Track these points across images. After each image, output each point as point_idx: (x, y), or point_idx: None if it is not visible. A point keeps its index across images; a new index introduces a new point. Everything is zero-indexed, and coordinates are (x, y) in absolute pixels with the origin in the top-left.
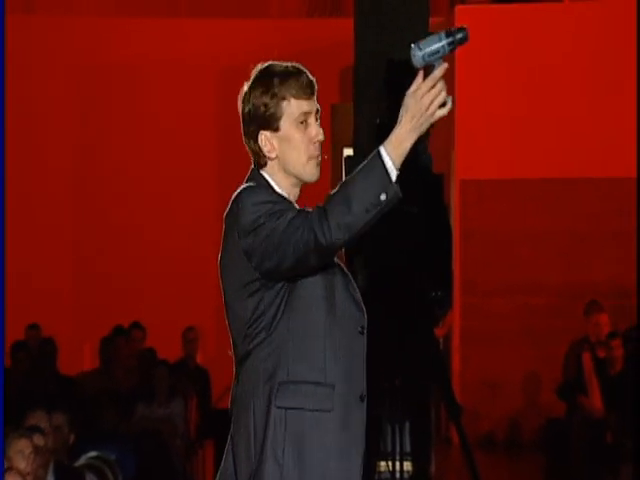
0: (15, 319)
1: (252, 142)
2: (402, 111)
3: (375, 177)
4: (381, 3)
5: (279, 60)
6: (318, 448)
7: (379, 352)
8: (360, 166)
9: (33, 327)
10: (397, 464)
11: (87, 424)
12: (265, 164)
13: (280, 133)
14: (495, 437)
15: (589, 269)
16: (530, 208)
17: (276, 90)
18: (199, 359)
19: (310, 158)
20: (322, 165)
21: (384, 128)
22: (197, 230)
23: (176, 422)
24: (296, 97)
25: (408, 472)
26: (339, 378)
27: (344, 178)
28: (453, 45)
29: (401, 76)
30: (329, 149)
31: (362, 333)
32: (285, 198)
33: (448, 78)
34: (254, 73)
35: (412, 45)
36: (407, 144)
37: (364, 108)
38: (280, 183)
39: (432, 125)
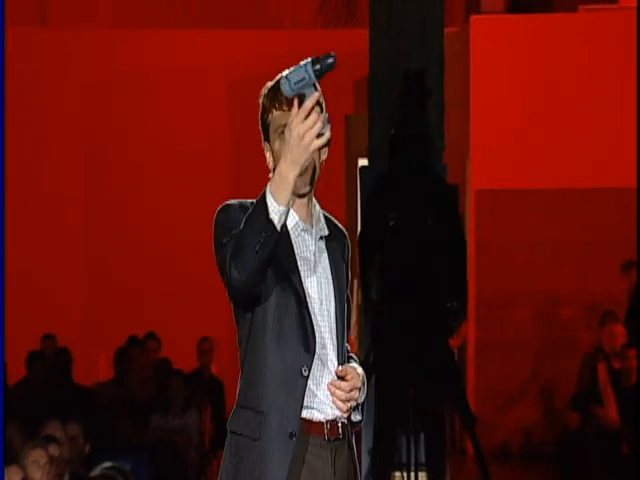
0: (31, 329)
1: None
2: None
3: (259, 218)
4: (396, 13)
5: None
6: (245, 475)
7: (394, 363)
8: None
9: (48, 337)
10: (412, 475)
11: (102, 434)
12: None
13: (270, 144)
14: (510, 448)
15: (604, 279)
16: (545, 218)
17: (265, 102)
18: (214, 370)
19: None
20: (336, 175)
21: (398, 138)
22: (211, 240)
23: (191, 433)
24: (277, 109)
25: None
26: (272, 409)
27: (359, 188)
28: (320, 72)
29: (416, 86)
30: (343, 159)
31: (304, 375)
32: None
33: (464, 87)
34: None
35: (282, 75)
36: (290, 178)
37: (379, 118)
38: None
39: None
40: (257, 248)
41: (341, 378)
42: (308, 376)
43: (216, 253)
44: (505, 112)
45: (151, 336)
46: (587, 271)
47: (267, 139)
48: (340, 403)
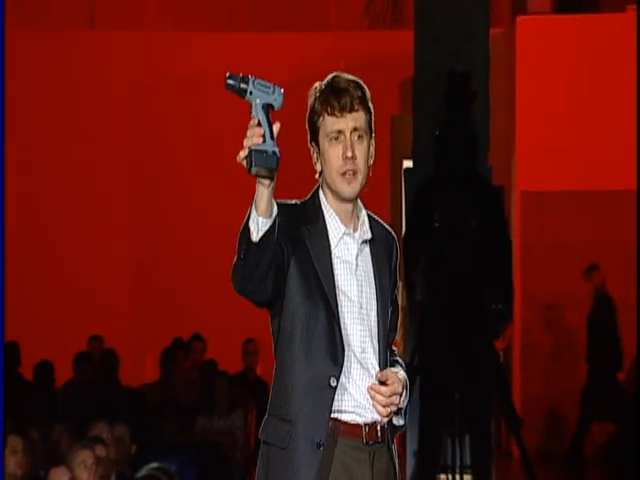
0: (78, 330)
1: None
2: None
3: (243, 227)
4: (441, 15)
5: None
6: None
7: (439, 365)
8: None
9: (96, 338)
10: (457, 477)
11: (148, 435)
12: (320, 176)
13: (319, 147)
14: (556, 451)
15: None
16: (591, 219)
17: (316, 105)
18: (259, 371)
19: (338, 174)
20: (381, 176)
21: (443, 140)
22: None
23: (236, 434)
24: (330, 114)
25: None
26: (299, 419)
27: (404, 190)
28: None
29: (461, 88)
30: (388, 161)
31: (332, 386)
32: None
33: (509, 88)
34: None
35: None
36: (260, 189)
37: (423, 120)
38: (327, 196)
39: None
40: (241, 256)
41: (382, 383)
42: (336, 387)
43: None
44: (551, 113)
45: (197, 338)
46: (633, 272)
47: (314, 140)
48: (380, 408)
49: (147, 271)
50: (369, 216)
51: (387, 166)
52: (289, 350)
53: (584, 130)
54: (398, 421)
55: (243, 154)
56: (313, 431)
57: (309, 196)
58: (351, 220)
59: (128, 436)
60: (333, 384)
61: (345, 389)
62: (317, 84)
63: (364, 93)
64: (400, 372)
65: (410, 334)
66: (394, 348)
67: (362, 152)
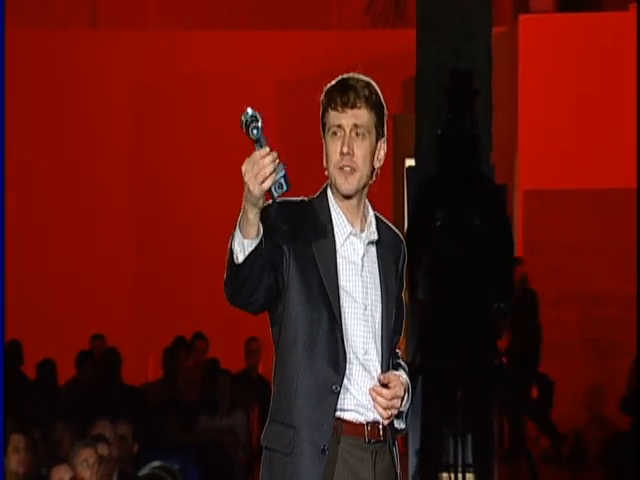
0: (80, 329)
1: None
2: None
3: (230, 248)
4: (444, 13)
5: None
6: None
7: (441, 364)
8: None
9: (98, 337)
10: (459, 476)
11: (151, 434)
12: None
13: (325, 141)
14: (559, 450)
15: None
16: (594, 218)
17: (324, 101)
18: (261, 370)
19: (335, 168)
20: (383, 175)
21: (445, 138)
22: None
23: (238, 433)
24: (332, 109)
25: None
26: (303, 424)
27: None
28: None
29: (463, 86)
30: (390, 160)
31: (335, 392)
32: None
33: (512, 87)
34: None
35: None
36: (249, 215)
37: (426, 118)
38: (335, 196)
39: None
40: (228, 275)
41: (384, 385)
42: (339, 392)
43: None
44: (553, 112)
45: (199, 336)
46: (636, 271)
47: (324, 136)
48: (381, 410)
49: (149, 270)
50: (377, 217)
51: (389, 165)
52: (291, 356)
53: (586, 129)
54: (399, 424)
55: (270, 182)
56: (317, 436)
57: (318, 194)
58: (358, 220)
59: (130, 435)
60: (336, 390)
61: (347, 390)
62: (333, 82)
63: (372, 93)
64: (402, 375)
65: (412, 333)
66: (398, 351)
67: (362, 150)
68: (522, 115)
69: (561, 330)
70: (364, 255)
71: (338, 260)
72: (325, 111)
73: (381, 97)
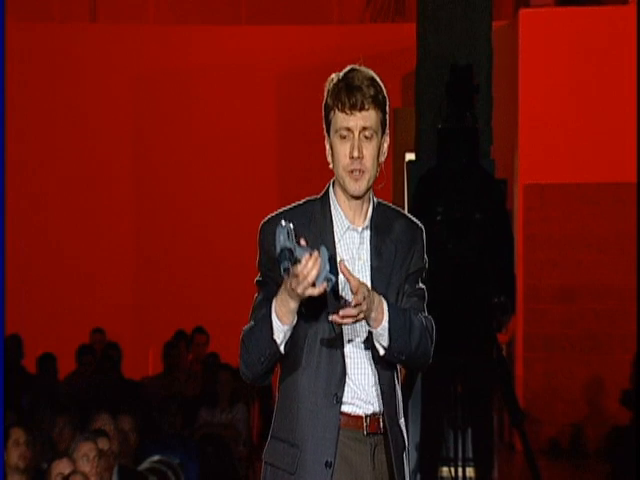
0: (81, 323)
1: None
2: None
3: (265, 335)
4: (444, 8)
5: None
6: None
7: (441, 358)
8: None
9: (98, 331)
10: (459, 470)
11: (151, 428)
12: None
13: (330, 140)
14: (559, 444)
15: None
16: (594, 212)
17: (328, 100)
18: None
19: (345, 171)
20: (384, 169)
21: (446, 133)
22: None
23: (238, 427)
24: (340, 110)
25: (470, 478)
26: (306, 442)
27: (406, 183)
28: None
29: (464, 81)
30: (391, 154)
31: (337, 403)
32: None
33: (512, 81)
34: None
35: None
36: (290, 306)
37: (426, 113)
38: (337, 194)
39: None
40: (262, 360)
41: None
42: (340, 402)
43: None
44: (554, 106)
45: (199, 330)
46: (636, 265)
47: (328, 133)
48: (348, 321)
49: (150, 264)
50: (383, 206)
51: (390, 159)
52: (293, 371)
53: (586, 123)
54: (382, 342)
55: (318, 289)
56: (322, 453)
57: (321, 194)
58: (361, 215)
59: (131, 429)
60: (338, 401)
61: (346, 383)
62: (334, 76)
63: (378, 91)
64: (377, 295)
65: None
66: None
67: (370, 152)
68: (522, 109)
69: (562, 324)
70: (360, 245)
71: (337, 259)
72: (331, 111)
73: (385, 91)
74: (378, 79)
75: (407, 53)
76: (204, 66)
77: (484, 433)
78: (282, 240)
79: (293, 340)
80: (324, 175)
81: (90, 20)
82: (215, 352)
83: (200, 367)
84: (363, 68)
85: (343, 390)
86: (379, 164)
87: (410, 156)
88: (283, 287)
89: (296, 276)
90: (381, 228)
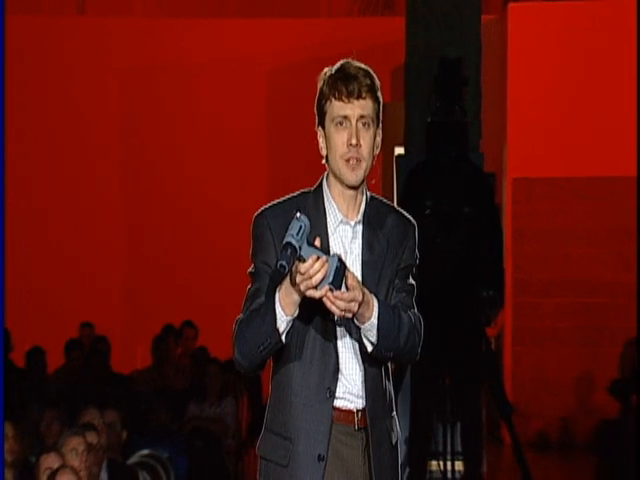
0: (69, 317)
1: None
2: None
3: (267, 323)
4: (433, 1)
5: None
6: None
7: (430, 351)
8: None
9: (87, 325)
10: (448, 464)
11: (140, 422)
12: (326, 162)
13: (325, 131)
14: (548, 437)
15: None
16: (583, 206)
17: (324, 89)
18: None
19: (342, 160)
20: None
21: (435, 126)
22: (249, 229)
23: (227, 421)
24: (337, 99)
25: (459, 472)
26: (299, 435)
27: (395, 177)
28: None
29: (452, 75)
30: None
31: (330, 397)
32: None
33: (501, 75)
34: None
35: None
36: (294, 297)
37: (415, 107)
38: (331, 187)
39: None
40: (261, 349)
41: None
42: (333, 396)
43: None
44: (543, 100)
45: (188, 324)
46: (625, 259)
47: (322, 124)
48: (335, 309)
49: (139, 258)
50: (376, 201)
51: (379, 153)
52: (284, 364)
53: (575, 117)
54: (371, 337)
55: (322, 291)
56: (314, 446)
57: (313, 188)
58: (354, 208)
59: (119, 423)
60: (330, 395)
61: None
62: (327, 69)
63: (373, 82)
64: (367, 292)
65: None
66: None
67: (367, 140)
68: (511, 103)
69: (550, 317)
70: (352, 239)
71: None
72: (327, 100)
73: (379, 85)
74: (372, 72)
75: (396, 47)
76: (193, 59)
77: (473, 427)
78: (291, 235)
79: (290, 336)
80: (315, 168)
81: (78, 13)
82: (204, 346)
83: (189, 361)
84: (357, 61)
85: (336, 385)
86: (374, 156)
87: (399, 150)
88: (288, 278)
89: (300, 273)
90: (374, 222)
